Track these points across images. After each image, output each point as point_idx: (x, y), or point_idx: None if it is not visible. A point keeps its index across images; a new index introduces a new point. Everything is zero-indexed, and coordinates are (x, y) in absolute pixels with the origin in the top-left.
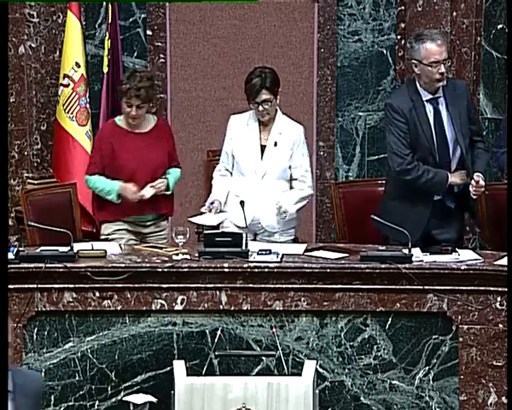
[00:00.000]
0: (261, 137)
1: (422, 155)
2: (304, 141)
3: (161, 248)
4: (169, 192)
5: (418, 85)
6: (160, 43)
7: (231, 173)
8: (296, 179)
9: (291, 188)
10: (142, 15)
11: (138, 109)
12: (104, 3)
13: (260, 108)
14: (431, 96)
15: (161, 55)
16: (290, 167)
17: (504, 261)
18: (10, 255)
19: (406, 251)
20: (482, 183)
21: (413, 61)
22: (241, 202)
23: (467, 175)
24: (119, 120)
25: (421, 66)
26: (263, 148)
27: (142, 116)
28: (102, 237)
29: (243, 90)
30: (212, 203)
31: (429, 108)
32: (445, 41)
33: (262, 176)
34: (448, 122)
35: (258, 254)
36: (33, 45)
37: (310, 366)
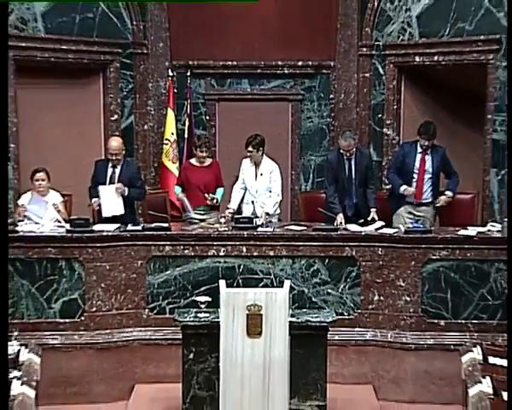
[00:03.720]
0: (256, 170)
1: (340, 185)
2: (276, 172)
3: (213, 224)
4: (218, 204)
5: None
6: (213, 123)
7: (245, 188)
8: (271, 192)
9: (270, 196)
10: (204, 109)
11: (204, 153)
12: (185, 104)
13: (248, 153)
14: (347, 157)
15: (214, 129)
16: (270, 185)
17: (385, 230)
18: (139, 228)
19: (336, 226)
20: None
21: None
22: (252, 202)
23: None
24: (192, 160)
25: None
26: (256, 176)
27: (205, 157)
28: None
29: None
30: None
31: (346, 163)
32: (352, 139)
33: (256, 190)
34: (354, 172)
35: (261, 227)
36: (151, 124)
37: (287, 284)
